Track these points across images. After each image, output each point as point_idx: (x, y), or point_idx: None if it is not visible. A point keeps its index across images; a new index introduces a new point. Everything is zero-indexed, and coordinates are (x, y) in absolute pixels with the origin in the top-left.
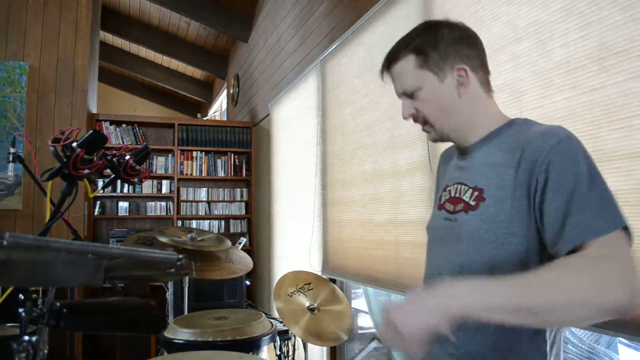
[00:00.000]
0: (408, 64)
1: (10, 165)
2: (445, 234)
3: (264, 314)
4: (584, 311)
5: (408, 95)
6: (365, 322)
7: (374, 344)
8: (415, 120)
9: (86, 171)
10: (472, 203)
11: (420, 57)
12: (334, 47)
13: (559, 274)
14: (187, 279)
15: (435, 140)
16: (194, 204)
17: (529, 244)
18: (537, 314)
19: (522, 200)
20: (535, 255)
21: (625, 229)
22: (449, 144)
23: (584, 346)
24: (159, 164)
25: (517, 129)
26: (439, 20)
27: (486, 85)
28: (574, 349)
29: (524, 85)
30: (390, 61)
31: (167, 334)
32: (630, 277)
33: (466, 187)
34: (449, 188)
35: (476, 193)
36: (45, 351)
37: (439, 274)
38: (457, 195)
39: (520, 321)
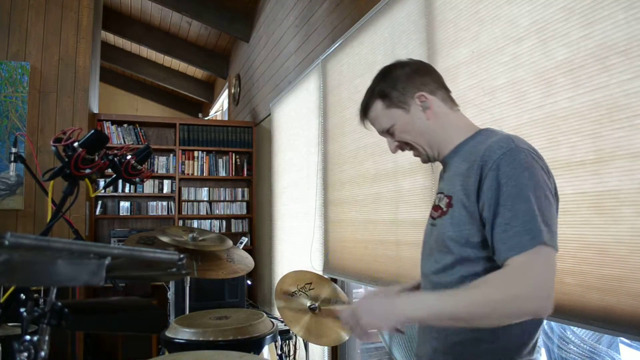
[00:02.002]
0: (377, 108)
1: (12, 165)
2: (429, 237)
3: (265, 314)
4: (496, 320)
5: (388, 132)
6: None
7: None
8: (403, 150)
9: (87, 171)
10: (445, 209)
11: (386, 100)
12: (335, 46)
13: (480, 290)
14: (188, 278)
15: (425, 162)
16: (195, 203)
17: (477, 253)
18: (465, 320)
19: (476, 204)
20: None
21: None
22: None
23: (585, 346)
24: (161, 163)
25: (479, 140)
26: (392, 64)
27: (449, 101)
28: (575, 348)
29: (526, 85)
30: (365, 111)
31: (169, 333)
32: (541, 288)
33: (443, 195)
34: (435, 197)
35: (447, 200)
36: (47, 351)
37: (424, 272)
38: (438, 203)
39: (454, 325)
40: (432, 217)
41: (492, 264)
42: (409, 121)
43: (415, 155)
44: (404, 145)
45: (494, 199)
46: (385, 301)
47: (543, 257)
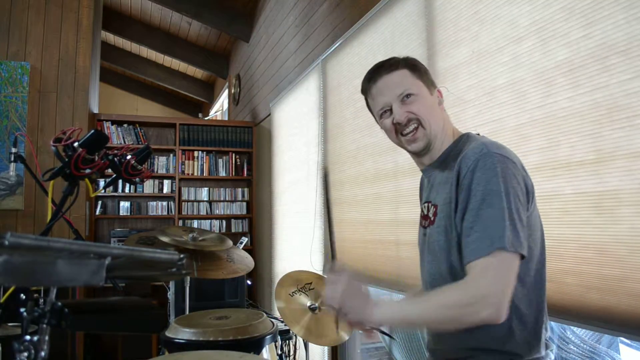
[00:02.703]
0: (405, 73)
1: (12, 165)
2: (423, 247)
3: (265, 314)
4: (452, 325)
5: (402, 100)
6: None
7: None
8: (408, 123)
9: (87, 171)
10: (432, 218)
11: (416, 72)
12: (335, 46)
13: (440, 297)
14: (188, 278)
15: (423, 146)
16: (195, 203)
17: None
18: (426, 324)
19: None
20: None
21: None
22: None
23: (585, 346)
24: (161, 163)
25: (459, 147)
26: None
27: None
28: (575, 348)
29: (526, 85)
30: (386, 70)
31: (169, 333)
32: (492, 295)
33: (430, 205)
34: (422, 206)
35: (434, 209)
36: (47, 350)
37: (423, 279)
38: (426, 212)
39: (418, 328)
40: (422, 226)
41: None
42: (430, 101)
43: (414, 137)
44: (411, 119)
45: (464, 205)
46: (360, 300)
47: (498, 262)
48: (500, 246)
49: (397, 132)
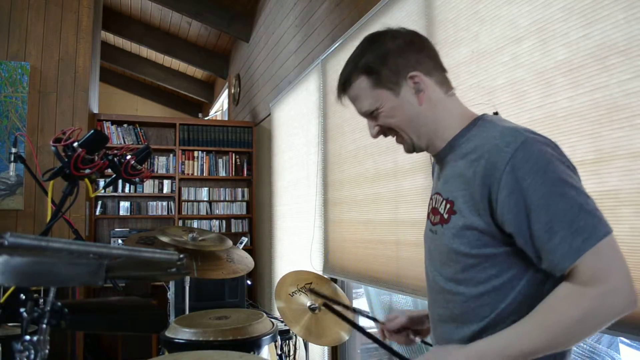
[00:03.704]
0: (361, 85)
1: (12, 165)
2: (431, 245)
3: (265, 314)
4: (582, 337)
5: (370, 115)
6: (366, 321)
7: None
8: (385, 135)
9: (87, 171)
10: (446, 216)
11: (372, 77)
12: (335, 46)
13: (553, 312)
14: (188, 278)
15: (409, 151)
16: (195, 203)
17: (499, 249)
18: (548, 349)
19: (491, 219)
20: (509, 257)
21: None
22: None
23: (585, 346)
24: (160, 163)
25: (476, 133)
26: (381, 32)
27: (445, 84)
28: (575, 348)
29: (526, 85)
30: (344, 86)
31: (168, 333)
32: (624, 285)
33: (441, 198)
34: (432, 197)
35: (448, 205)
36: (47, 350)
37: (430, 283)
38: (436, 206)
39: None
40: (431, 221)
41: (515, 257)
42: (398, 105)
43: (398, 142)
44: (387, 131)
45: (522, 206)
46: (456, 353)
47: (605, 250)
48: (597, 236)
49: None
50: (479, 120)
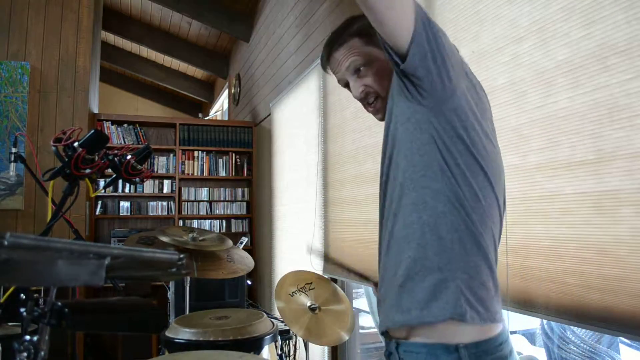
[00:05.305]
0: (354, 44)
1: (12, 165)
2: None
3: (265, 314)
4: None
5: (356, 72)
6: (366, 321)
7: None
8: (366, 97)
9: (87, 171)
10: None
11: (364, 38)
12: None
13: None
14: (188, 278)
15: (383, 119)
16: (195, 203)
17: None
18: None
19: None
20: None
21: None
22: None
23: (585, 346)
24: (161, 163)
25: None
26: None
27: None
28: (575, 348)
29: (526, 85)
30: (334, 44)
31: (169, 333)
32: None
33: None
34: None
35: None
36: (47, 350)
37: None
38: None
39: None
40: None
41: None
42: (385, 64)
43: (373, 112)
44: (368, 92)
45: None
46: None
47: None
48: None
49: (364, 104)
50: None
